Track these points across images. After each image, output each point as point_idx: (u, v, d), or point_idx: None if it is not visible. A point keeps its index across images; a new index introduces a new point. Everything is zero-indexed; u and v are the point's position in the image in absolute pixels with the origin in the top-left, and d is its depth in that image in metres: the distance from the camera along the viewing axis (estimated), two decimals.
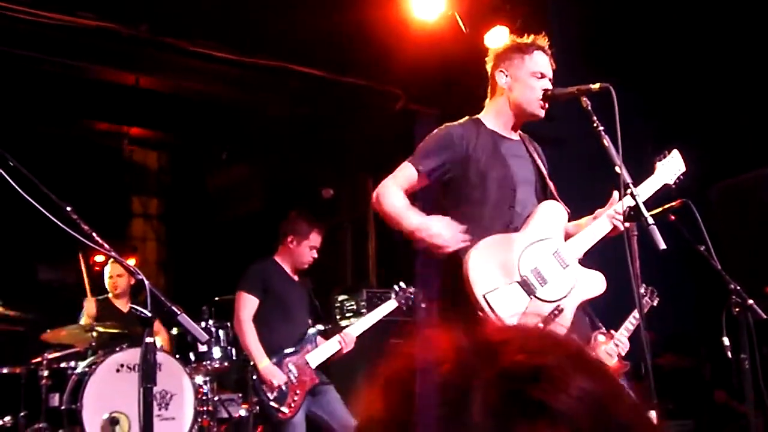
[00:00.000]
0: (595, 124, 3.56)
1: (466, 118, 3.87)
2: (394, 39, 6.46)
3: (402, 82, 7.63)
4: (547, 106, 3.76)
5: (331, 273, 7.03)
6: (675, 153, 4.12)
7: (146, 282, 2.67)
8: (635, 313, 5.75)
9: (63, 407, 5.54)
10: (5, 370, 6.11)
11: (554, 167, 7.52)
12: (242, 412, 6.50)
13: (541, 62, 3.78)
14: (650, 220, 3.34)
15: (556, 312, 3.43)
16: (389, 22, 6.40)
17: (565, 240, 3.68)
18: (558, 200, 3.76)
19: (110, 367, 5.48)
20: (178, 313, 2.70)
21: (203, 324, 6.28)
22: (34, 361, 6.05)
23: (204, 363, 6.21)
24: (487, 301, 3.33)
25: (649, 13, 7.40)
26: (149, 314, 2.61)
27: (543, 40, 3.87)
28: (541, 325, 3.31)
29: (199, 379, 6.10)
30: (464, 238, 3.38)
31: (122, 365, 5.49)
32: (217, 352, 6.27)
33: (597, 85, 3.61)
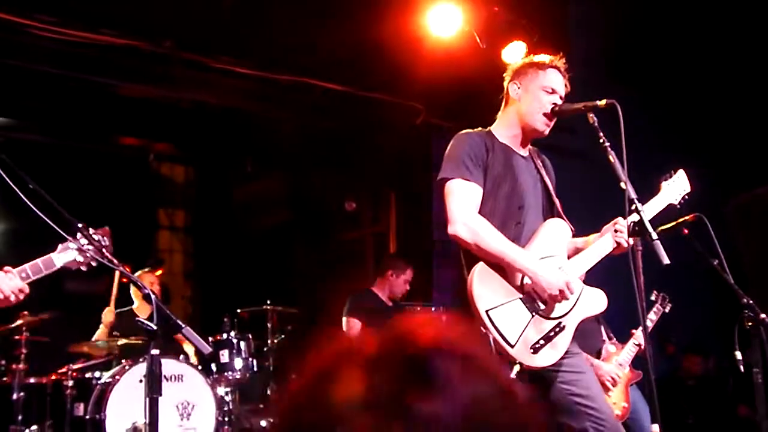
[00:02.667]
0: (601, 140, 3.60)
1: (479, 129, 3.88)
2: (413, 55, 6.54)
3: (421, 97, 7.70)
4: (551, 123, 3.79)
5: (350, 285, 7.08)
6: (681, 173, 4.12)
7: (152, 296, 2.76)
8: (630, 347, 5.79)
9: (87, 417, 5.63)
10: (32, 380, 6.23)
11: (576, 180, 7.56)
12: (263, 423, 6.59)
13: (555, 80, 3.80)
14: (654, 236, 3.37)
15: (557, 329, 3.46)
16: (408, 39, 6.47)
17: (569, 257, 3.70)
18: (563, 218, 3.79)
19: (133, 377, 5.56)
20: (183, 326, 2.78)
21: (225, 335, 6.38)
22: (60, 371, 6.17)
23: (226, 374, 6.31)
24: (489, 317, 3.35)
25: (667, 27, 7.40)
26: (154, 327, 2.69)
27: (560, 61, 3.89)
28: (542, 342, 3.42)
29: (221, 390, 6.19)
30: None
31: (145, 376, 5.58)
32: (238, 363, 6.36)
33: (603, 102, 3.65)
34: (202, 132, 8.73)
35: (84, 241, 3.12)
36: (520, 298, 3.46)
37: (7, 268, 3.12)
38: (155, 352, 2.68)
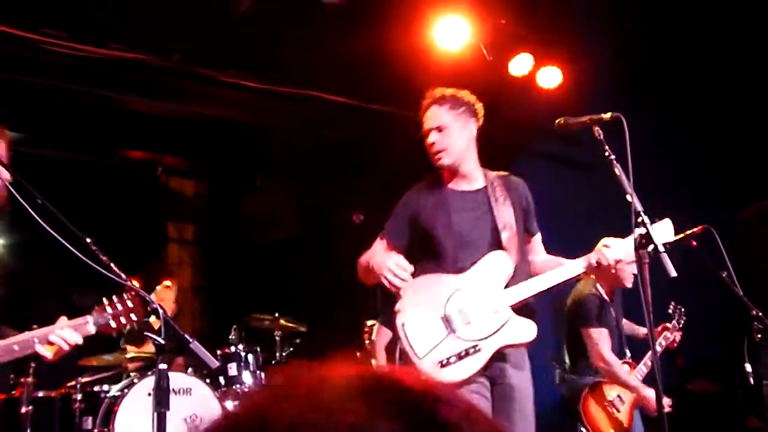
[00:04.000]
0: (606, 153, 3.61)
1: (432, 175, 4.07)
2: (420, 67, 6.55)
3: None
4: (440, 158, 3.91)
5: (361, 298, 7.10)
6: (666, 221, 4.02)
7: (160, 310, 2.77)
8: (661, 339, 5.76)
9: (95, 430, 5.64)
10: (41, 394, 6.25)
11: (582, 192, 7.55)
12: None
13: (424, 118, 3.98)
14: (661, 248, 3.38)
15: (471, 350, 3.59)
16: (415, 51, 6.50)
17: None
18: (507, 249, 3.83)
19: (142, 391, 5.55)
20: (191, 341, 2.79)
21: (232, 348, 6.39)
22: (68, 384, 6.19)
23: (234, 387, 6.30)
24: (404, 330, 3.60)
25: (677, 37, 7.40)
26: (162, 342, 2.70)
27: (429, 94, 4.02)
28: (453, 359, 3.58)
29: (229, 404, 6.18)
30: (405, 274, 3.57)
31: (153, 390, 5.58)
32: (246, 376, 6.36)
33: (609, 115, 3.67)
34: (211, 145, 8.76)
35: (120, 307, 3.26)
36: (441, 317, 3.64)
37: (63, 319, 3.17)
38: (163, 366, 2.69)
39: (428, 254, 3.81)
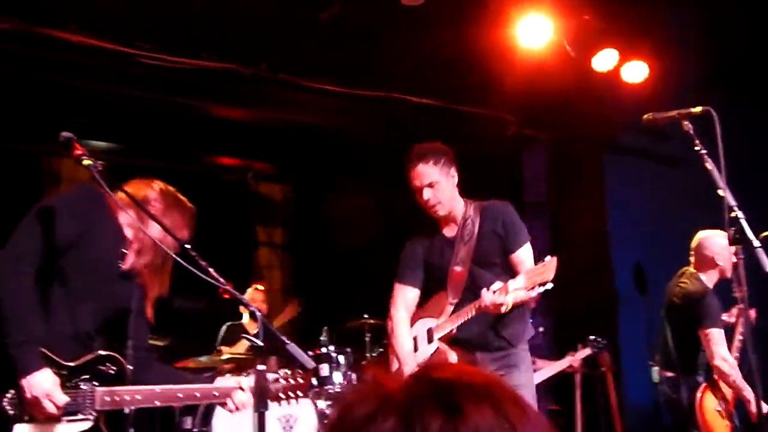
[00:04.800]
0: (697, 148, 3.58)
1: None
2: (503, 67, 6.55)
3: (512, 108, 7.70)
4: (436, 213, 4.30)
5: None
6: None
7: (257, 313, 2.86)
8: (738, 335, 5.63)
9: (195, 430, 5.81)
10: None
11: (671, 187, 7.41)
12: None
13: (413, 177, 4.29)
14: (756, 243, 3.33)
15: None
16: (498, 51, 6.50)
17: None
18: (451, 286, 4.28)
19: None
20: (287, 342, 2.87)
21: (324, 350, 6.49)
22: None
23: (326, 387, 6.40)
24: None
25: None
26: (261, 344, 2.79)
27: (416, 150, 4.34)
28: None
29: (322, 404, 6.29)
30: None
31: (252, 390, 5.70)
32: (338, 377, 6.44)
33: (699, 109, 3.64)
34: (298, 150, 8.91)
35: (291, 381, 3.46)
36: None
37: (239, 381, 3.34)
38: (262, 367, 2.78)
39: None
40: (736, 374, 5.30)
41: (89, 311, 3.19)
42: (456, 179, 4.32)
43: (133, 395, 3.15)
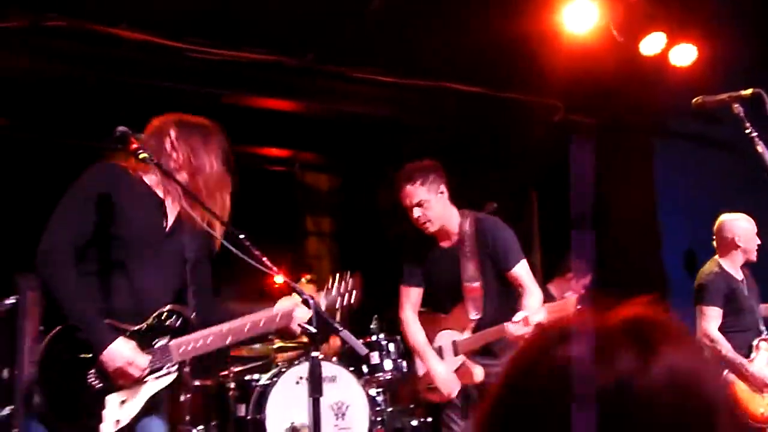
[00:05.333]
0: (748, 131, 3.54)
1: None
2: (549, 53, 6.51)
3: (559, 94, 7.66)
4: (427, 228, 4.56)
5: None
6: None
7: (310, 301, 2.91)
8: None
9: (249, 417, 5.91)
10: (197, 383, 6.60)
11: (723, 172, 7.32)
12: (414, 423, 6.71)
13: (402, 197, 4.57)
14: None
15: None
16: (543, 37, 6.46)
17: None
18: (469, 300, 4.47)
19: (290, 379, 5.77)
20: (341, 329, 2.92)
21: (374, 338, 6.54)
22: (222, 374, 6.51)
23: (377, 375, 6.46)
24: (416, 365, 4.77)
25: None
26: (315, 331, 2.84)
27: (403, 172, 4.61)
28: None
29: (373, 391, 6.35)
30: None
31: (301, 377, 5.73)
32: (388, 364, 6.49)
33: (749, 91, 3.59)
34: (345, 140, 8.97)
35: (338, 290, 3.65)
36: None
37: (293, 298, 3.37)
38: (316, 354, 2.83)
39: (427, 294, 4.73)
40: (720, 348, 5.47)
41: (145, 277, 3.28)
42: (446, 195, 4.57)
43: (204, 339, 3.25)
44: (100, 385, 3.10)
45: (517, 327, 4.10)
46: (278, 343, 6.73)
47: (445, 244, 4.60)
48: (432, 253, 4.65)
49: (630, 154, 7.86)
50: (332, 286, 3.64)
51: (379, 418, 6.26)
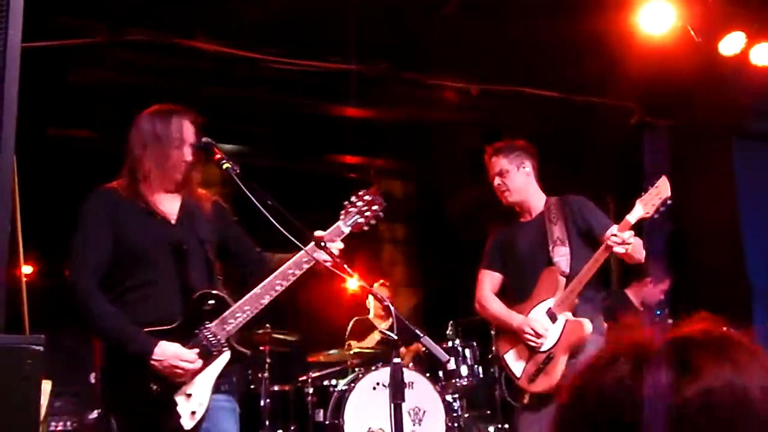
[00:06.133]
0: None
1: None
2: (624, 54, 6.45)
3: (636, 96, 7.56)
4: (506, 197, 4.58)
5: None
6: (663, 180, 4.28)
7: (391, 307, 2.93)
8: None
9: (327, 422, 5.97)
10: (276, 388, 6.72)
11: None
12: (491, 429, 6.71)
13: (487, 169, 4.66)
14: None
15: (546, 360, 4.31)
16: (618, 39, 6.40)
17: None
18: (557, 262, 4.37)
19: (368, 384, 5.83)
20: (422, 335, 2.94)
21: (450, 343, 6.56)
22: (300, 379, 6.61)
23: (453, 381, 6.47)
24: (504, 360, 4.50)
25: None
26: (395, 337, 2.87)
27: (492, 146, 4.69)
28: (536, 372, 4.35)
29: (449, 397, 6.36)
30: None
31: (378, 383, 5.80)
32: (464, 370, 6.51)
33: None
34: (419, 147, 9.01)
35: (360, 202, 3.61)
36: (522, 345, 4.43)
37: (318, 232, 3.43)
38: (397, 360, 2.86)
39: (511, 283, 4.64)
40: None
41: (168, 279, 3.36)
42: (531, 173, 4.62)
43: (242, 310, 3.33)
44: (163, 389, 3.20)
45: (618, 235, 4.07)
46: (356, 348, 6.79)
47: (527, 218, 4.62)
48: (513, 229, 4.65)
49: (709, 156, 7.71)
50: (350, 207, 3.61)
51: (455, 424, 6.27)
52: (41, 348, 1.83)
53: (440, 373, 6.47)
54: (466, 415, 6.62)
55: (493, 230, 4.80)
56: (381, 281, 8.19)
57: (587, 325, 4.26)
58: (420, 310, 10.02)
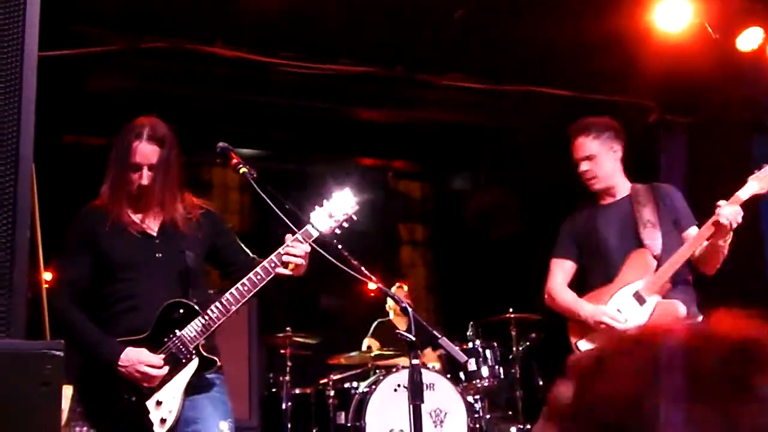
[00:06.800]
0: None
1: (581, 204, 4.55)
2: (641, 52, 6.42)
3: (653, 94, 7.52)
4: (593, 184, 4.32)
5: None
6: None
7: (409, 309, 2.94)
8: None
9: (349, 424, 5.98)
10: (297, 391, 6.74)
11: None
12: (513, 429, 6.69)
13: (573, 149, 4.36)
14: None
15: None
16: (635, 37, 6.37)
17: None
18: (647, 244, 4.12)
19: (389, 386, 5.83)
20: (439, 336, 2.95)
21: (470, 344, 6.55)
22: (321, 381, 6.63)
23: (474, 382, 6.46)
24: (577, 347, 4.22)
25: None
26: (413, 338, 2.88)
27: (579, 123, 4.42)
28: None
29: (470, 398, 6.35)
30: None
31: (399, 385, 5.78)
32: (485, 371, 6.49)
33: None
34: (436, 147, 9.01)
35: (331, 206, 3.55)
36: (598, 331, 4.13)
37: (288, 236, 3.42)
38: (416, 361, 2.87)
39: (592, 267, 4.33)
40: None
41: (144, 294, 3.41)
42: (619, 155, 4.36)
43: (211, 318, 3.36)
44: (137, 397, 3.27)
45: (729, 208, 3.90)
46: (376, 351, 6.80)
47: (609, 200, 4.34)
48: (592, 213, 4.35)
49: (729, 153, 7.65)
50: (320, 209, 3.55)
51: (477, 425, 6.26)
52: (61, 353, 1.85)
53: (461, 375, 6.47)
54: (488, 416, 6.60)
55: (570, 217, 4.49)
56: (398, 283, 8.20)
57: (681, 307, 4.03)
58: (440, 312, 10.03)
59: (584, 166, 4.26)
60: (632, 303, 4.08)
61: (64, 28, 5.85)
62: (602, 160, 4.26)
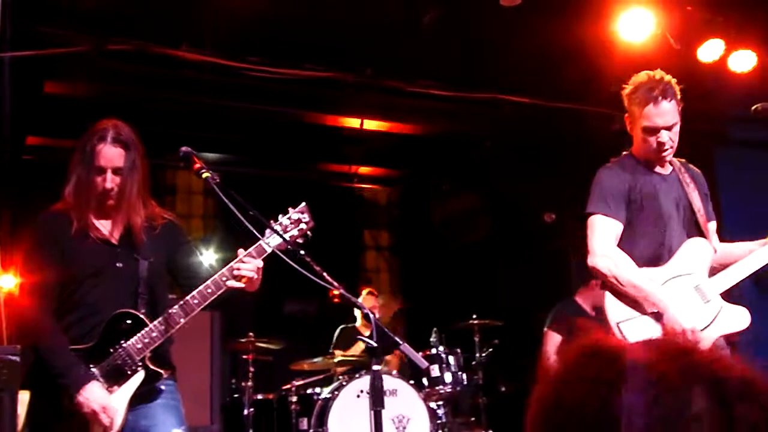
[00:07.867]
0: None
1: (623, 153, 3.97)
2: (603, 61, 6.49)
3: (616, 103, 7.59)
4: (669, 153, 3.73)
5: (553, 296, 7.07)
6: None
7: (371, 315, 2.94)
8: None
9: (311, 430, 5.97)
10: (259, 397, 6.71)
11: None
12: None
13: (655, 118, 3.67)
14: None
15: None
16: (598, 47, 6.45)
17: (720, 270, 3.70)
18: (706, 235, 3.75)
19: (351, 392, 5.83)
20: (401, 343, 2.95)
21: (433, 350, 6.56)
22: (284, 387, 6.60)
23: (437, 388, 6.48)
24: (619, 329, 3.54)
25: None
26: (374, 344, 2.88)
27: (660, 88, 3.70)
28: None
29: (433, 404, 6.37)
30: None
31: (362, 391, 5.79)
32: (448, 377, 6.51)
33: None
34: (402, 154, 9.03)
35: (285, 221, 3.46)
36: (651, 313, 3.54)
37: (241, 251, 3.38)
38: (377, 367, 2.87)
39: (642, 234, 3.70)
40: None
41: (98, 301, 3.37)
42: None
43: (158, 330, 3.32)
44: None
45: None
46: (339, 357, 6.79)
47: (661, 171, 3.81)
48: (648, 176, 3.77)
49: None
50: (276, 224, 3.44)
51: (440, 431, 6.27)
52: (17, 358, 1.83)
53: (424, 381, 6.48)
54: (451, 422, 6.62)
55: (611, 170, 3.84)
56: (369, 289, 8.19)
57: (745, 319, 3.65)
58: (404, 317, 10.05)
59: (664, 137, 3.65)
60: (694, 297, 3.63)
61: (29, 29, 5.79)
62: (678, 130, 3.71)
